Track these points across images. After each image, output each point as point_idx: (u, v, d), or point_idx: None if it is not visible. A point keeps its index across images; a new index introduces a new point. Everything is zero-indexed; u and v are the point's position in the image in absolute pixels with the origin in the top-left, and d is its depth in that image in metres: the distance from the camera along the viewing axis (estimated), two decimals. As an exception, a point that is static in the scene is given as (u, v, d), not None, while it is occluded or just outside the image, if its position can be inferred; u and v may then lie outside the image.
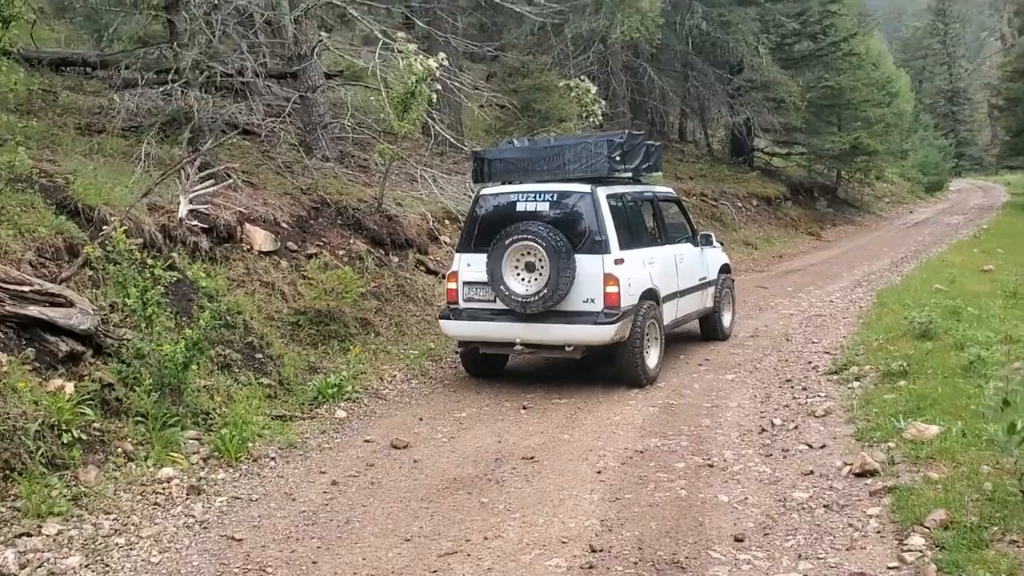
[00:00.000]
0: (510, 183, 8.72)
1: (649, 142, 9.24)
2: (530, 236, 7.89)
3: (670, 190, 10.33)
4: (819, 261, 19.70)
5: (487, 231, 8.30)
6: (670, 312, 9.09)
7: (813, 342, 10.28)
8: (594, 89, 14.33)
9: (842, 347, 9.72)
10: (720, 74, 24.59)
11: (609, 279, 7.94)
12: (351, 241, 10.90)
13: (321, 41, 12.97)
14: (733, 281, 11.20)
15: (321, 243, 10.59)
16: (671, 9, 20.02)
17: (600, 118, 14.17)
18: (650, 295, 8.50)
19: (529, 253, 7.99)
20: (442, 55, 10.94)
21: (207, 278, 7.51)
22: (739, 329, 11.17)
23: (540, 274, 7.93)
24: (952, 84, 70.82)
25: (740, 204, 23.61)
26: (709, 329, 10.54)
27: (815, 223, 26.64)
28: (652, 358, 8.49)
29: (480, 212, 8.62)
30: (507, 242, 7.97)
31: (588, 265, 7.94)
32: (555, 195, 8.26)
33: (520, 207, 8.31)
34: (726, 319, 10.75)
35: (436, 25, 15.54)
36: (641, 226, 8.98)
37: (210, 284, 7.88)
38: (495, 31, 22.89)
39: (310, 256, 10.07)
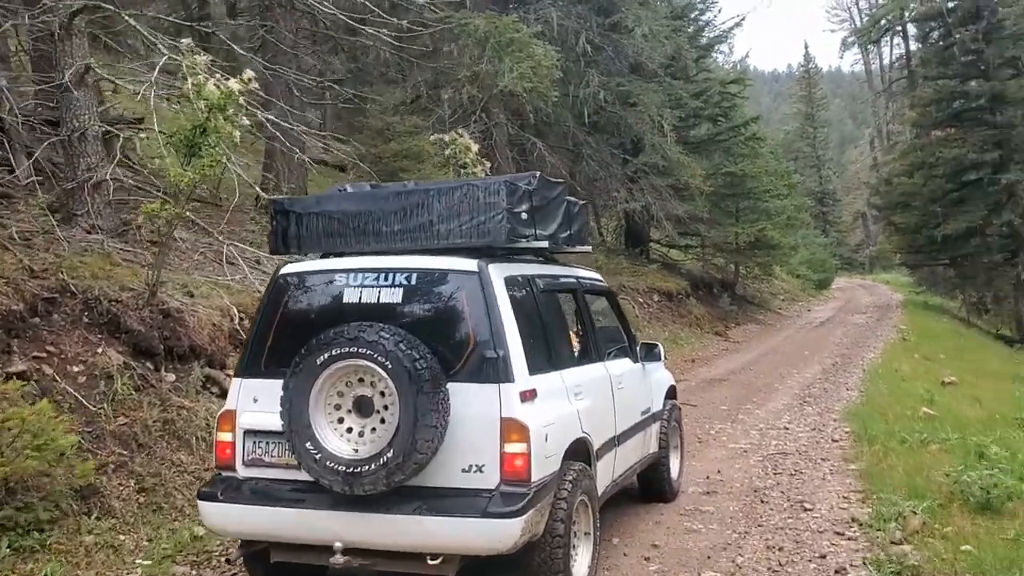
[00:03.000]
0: (334, 255, 5.04)
1: (570, 198, 5.70)
2: (364, 350, 4.18)
3: (598, 276, 6.72)
4: (739, 367, 16.69)
5: (289, 340, 4.54)
6: (606, 472, 5.49)
7: (805, 508, 6.85)
8: (475, 148, 10.93)
9: (856, 521, 6.40)
10: (616, 154, 21.84)
11: (511, 429, 4.26)
12: (99, 350, 6.96)
13: (90, 67, 9.14)
14: (681, 411, 7.69)
15: (44, 354, 6.65)
16: (563, 77, 17.15)
17: (485, 184, 10.76)
18: (579, 451, 4.88)
19: (361, 381, 4.29)
20: (250, 73, 7.29)
21: None
22: (686, 478, 7.68)
23: (381, 420, 4.24)
24: (822, 186, 72.04)
25: (641, 300, 20.63)
26: (653, 484, 6.97)
27: (720, 321, 23.92)
28: (582, 564, 4.83)
29: (280, 306, 4.86)
30: (320, 360, 4.24)
31: (473, 403, 4.28)
32: (413, 276, 4.55)
33: (349, 297, 4.58)
34: (674, 467, 7.21)
35: (277, 61, 11.99)
36: (561, 333, 5.40)
37: None
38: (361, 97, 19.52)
39: (12, 377, 6.08)
